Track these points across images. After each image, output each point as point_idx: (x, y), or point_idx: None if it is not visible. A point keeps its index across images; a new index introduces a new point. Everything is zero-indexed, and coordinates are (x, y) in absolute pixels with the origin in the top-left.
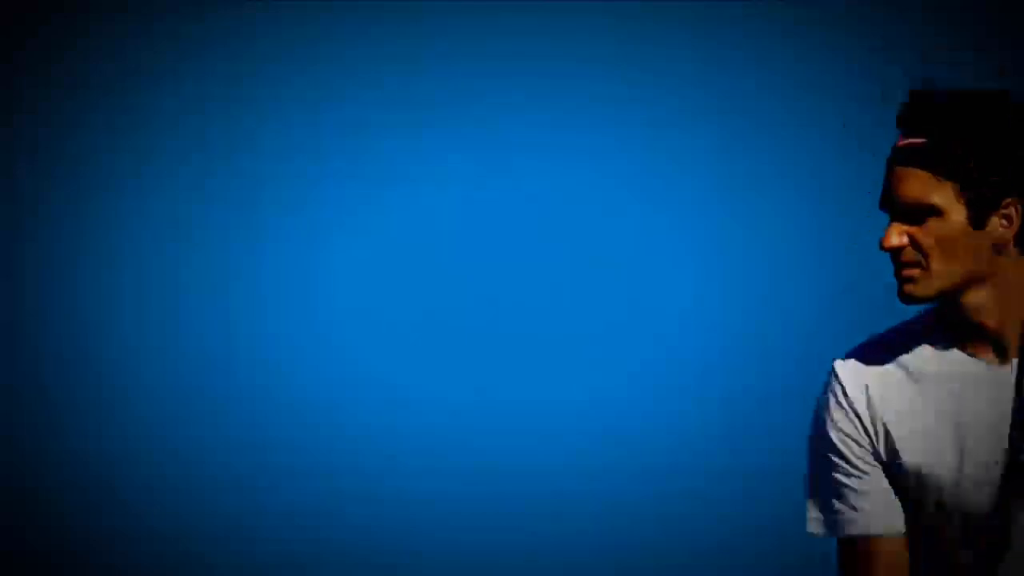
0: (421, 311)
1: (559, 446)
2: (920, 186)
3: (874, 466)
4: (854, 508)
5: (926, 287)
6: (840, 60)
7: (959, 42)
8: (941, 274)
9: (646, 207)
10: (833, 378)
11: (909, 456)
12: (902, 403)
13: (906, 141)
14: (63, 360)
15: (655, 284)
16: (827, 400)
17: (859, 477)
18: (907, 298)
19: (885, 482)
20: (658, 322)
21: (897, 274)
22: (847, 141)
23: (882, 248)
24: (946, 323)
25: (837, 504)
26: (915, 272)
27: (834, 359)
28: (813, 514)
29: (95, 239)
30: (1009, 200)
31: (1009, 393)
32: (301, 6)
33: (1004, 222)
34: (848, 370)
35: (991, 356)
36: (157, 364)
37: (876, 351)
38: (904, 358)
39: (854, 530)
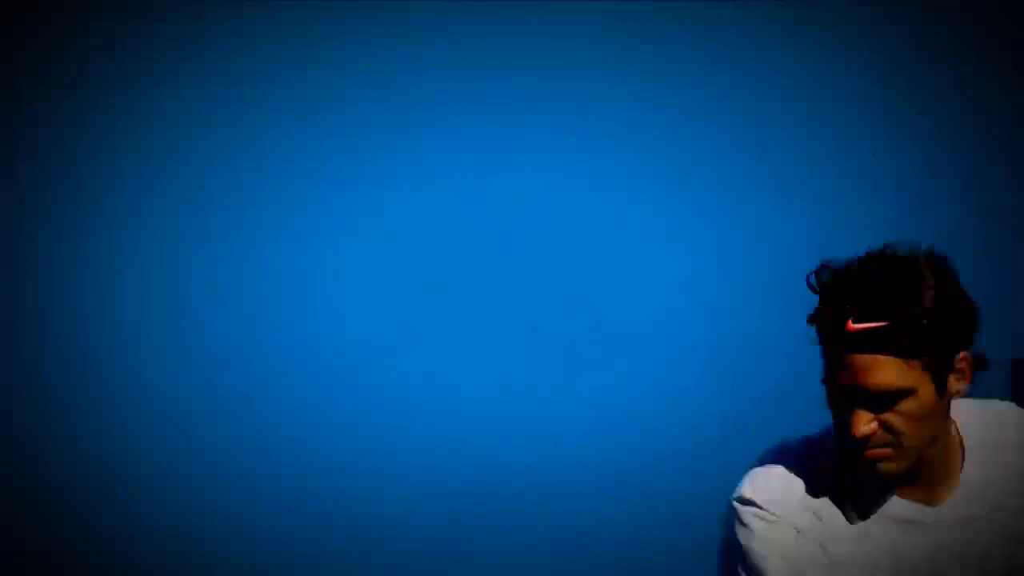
0: (421, 311)
1: (557, 446)
2: (891, 373)
3: None
4: None
5: (901, 464)
6: (840, 60)
7: (958, 42)
8: (915, 449)
9: (646, 208)
10: (754, 519)
11: None
12: (834, 544)
13: (861, 326)
14: (63, 360)
15: (653, 284)
16: (743, 538)
17: None
18: (883, 478)
19: None
20: (657, 322)
21: (866, 457)
22: (847, 142)
23: (851, 436)
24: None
25: None
26: (888, 452)
27: (740, 495)
28: None
29: (92, 239)
30: (961, 356)
31: (947, 535)
32: (300, 6)
33: (959, 375)
34: (766, 495)
35: (922, 499)
36: (156, 364)
37: (792, 481)
38: (827, 495)
39: None
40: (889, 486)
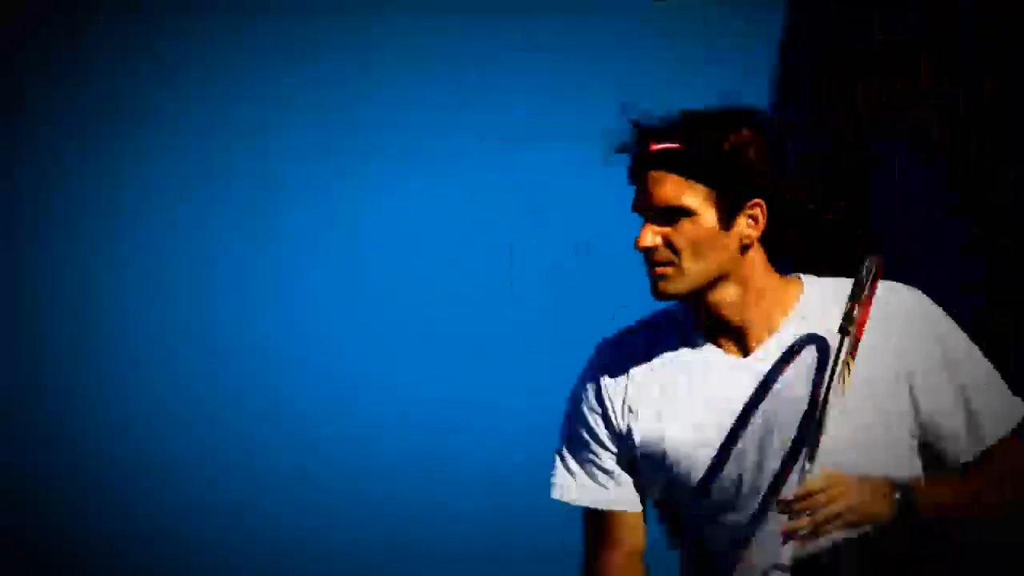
0: (421, 311)
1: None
2: (674, 189)
3: (620, 448)
4: (602, 485)
5: (678, 284)
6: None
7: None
8: (692, 272)
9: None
10: (596, 359)
11: (669, 442)
12: (661, 391)
13: (660, 146)
14: (61, 359)
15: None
16: (588, 382)
17: (607, 457)
18: (660, 295)
19: (628, 464)
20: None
21: (650, 272)
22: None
23: (637, 248)
24: (694, 319)
25: (585, 478)
26: (668, 270)
27: (599, 341)
28: (560, 480)
29: (89, 239)
30: (756, 201)
31: (753, 384)
32: (298, 6)
33: (751, 222)
34: (609, 355)
35: (735, 350)
36: (154, 363)
37: (635, 341)
38: (660, 349)
39: (599, 504)
40: (699, 331)
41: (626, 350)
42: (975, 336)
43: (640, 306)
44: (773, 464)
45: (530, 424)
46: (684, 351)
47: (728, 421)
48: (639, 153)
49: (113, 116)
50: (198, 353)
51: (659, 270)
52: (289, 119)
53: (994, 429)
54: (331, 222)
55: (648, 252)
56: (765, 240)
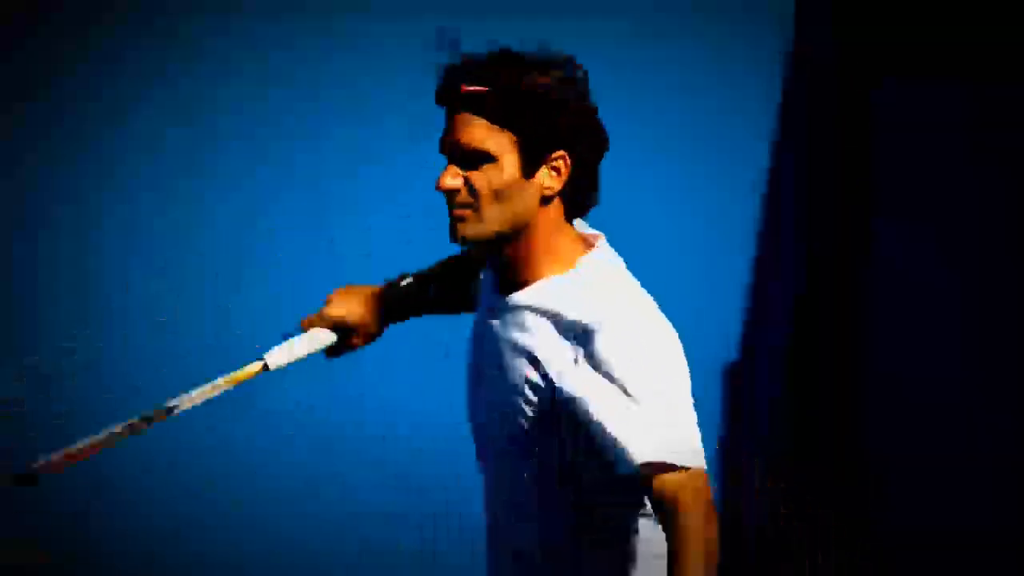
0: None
1: None
2: (478, 133)
3: None
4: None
5: (476, 229)
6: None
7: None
8: (491, 218)
9: (646, 208)
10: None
11: None
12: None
13: (469, 88)
14: (61, 359)
15: (651, 282)
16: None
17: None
18: (458, 238)
19: None
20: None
21: (450, 214)
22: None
23: (437, 188)
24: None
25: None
26: (467, 213)
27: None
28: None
29: (87, 238)
30: (560, 153)
31: (496, 325)
32: (296, 6)
33: (553, 173)
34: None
35: (502, 293)
36: (148, 362)
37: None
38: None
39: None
40: (478, 258)
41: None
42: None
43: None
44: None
45: None
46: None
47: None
48: (447, 92)
49: (111, 114)
50: (198, 352)
51: (458, 211)
52: (285, 118)
53: None
54: (339, 221)
55: (449, 194)
56: (567, 193)
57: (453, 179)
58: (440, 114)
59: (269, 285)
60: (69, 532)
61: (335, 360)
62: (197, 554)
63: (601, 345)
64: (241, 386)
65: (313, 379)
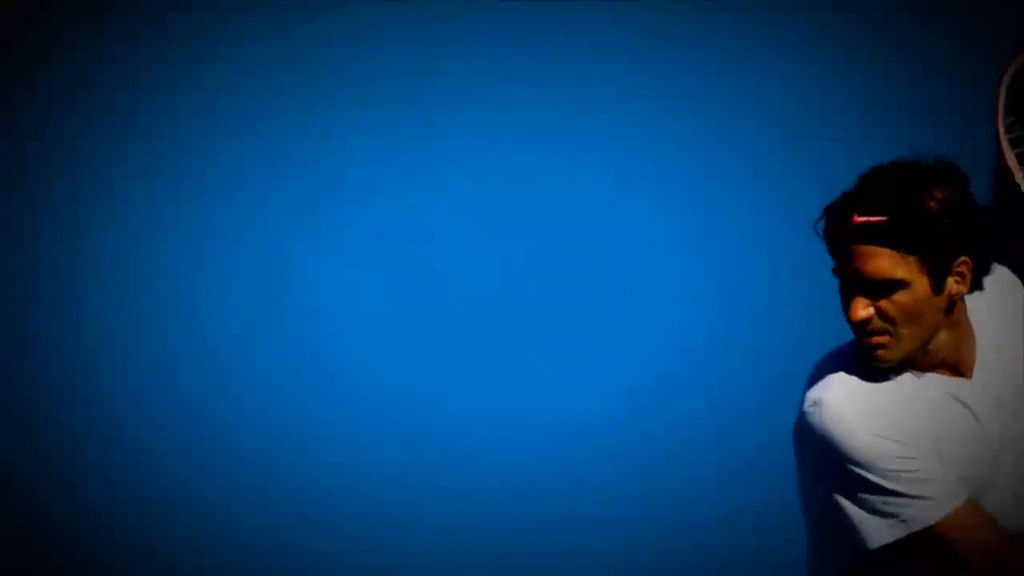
0: (414, 313)
1: (550, 447)
2: (886, 263)
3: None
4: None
5: (896, 352)
6: (828, 60)
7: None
8: (909, 338)
9: (644, 207)
10: (838, 408)
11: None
12: (903, 422)
13: (864, 219)
14: (60, 359)
15: (650, 285)
16: (849, 427)
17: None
18: (879, 362)
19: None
20: (653, 323)
21: (865, 341)
22: (848, 141)
23: (851, 321)
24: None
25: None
26: (885, 339)
27: (809, 392)
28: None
29: (85, 239)
30: (961, 259)
31: (983, 407)
32: (295, 5)
33: (958, 278)
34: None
35: (949, 375)
36: (146, 362)
37: (851, 379)
38: (887, 381)
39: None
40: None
41: (862, 390)
42: None
43: (636, 306)
44: (1010, 473)
45: (532, 427)
46: (920, 382)
47: (966, 439)
48: (843, 225)
49: (110, 115)
50: (197, 353)
51: (876, 339)
52: (284, 118)
53: None
54: (351, 221)
55: (863, 323)
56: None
57: (865, 310)
58: (440, 123)
59: (269, 285)
60: (69, 532)
61: (335, 360)
62: (197, 554)
63: None
64: (241, 386)
65: (313, 379)
